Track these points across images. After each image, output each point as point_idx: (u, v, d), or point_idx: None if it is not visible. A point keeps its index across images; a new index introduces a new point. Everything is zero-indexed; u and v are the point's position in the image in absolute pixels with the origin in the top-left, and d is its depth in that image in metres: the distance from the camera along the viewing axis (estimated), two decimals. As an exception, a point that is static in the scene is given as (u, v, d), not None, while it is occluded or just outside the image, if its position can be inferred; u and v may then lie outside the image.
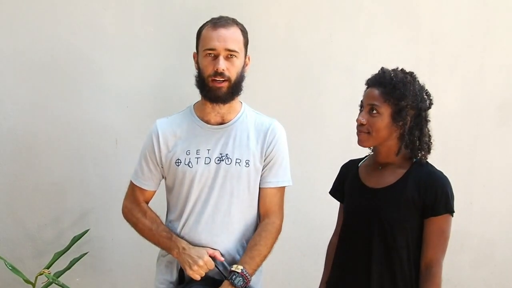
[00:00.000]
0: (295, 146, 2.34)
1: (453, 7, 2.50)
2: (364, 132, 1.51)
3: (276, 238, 1.61)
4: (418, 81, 1.53)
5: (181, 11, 2.23)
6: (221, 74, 1.49)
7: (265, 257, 1.57)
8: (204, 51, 1.52)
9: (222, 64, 1.49)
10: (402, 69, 1.55)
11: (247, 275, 1.49)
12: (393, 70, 1.54)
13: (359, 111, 1.57)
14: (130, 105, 2.27)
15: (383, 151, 1.55)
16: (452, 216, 1.49)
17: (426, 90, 1.55)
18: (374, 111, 1.48)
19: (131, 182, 1.68)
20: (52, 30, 2.17)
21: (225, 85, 1.51)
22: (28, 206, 2.23)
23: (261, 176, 1.61)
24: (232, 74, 1.52)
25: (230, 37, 1.50)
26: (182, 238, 1.58)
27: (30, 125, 2.20)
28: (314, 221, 2.47)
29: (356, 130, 1.56)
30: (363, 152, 1.70)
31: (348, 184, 1.68)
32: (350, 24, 2.42)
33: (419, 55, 2.49)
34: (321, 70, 2.42)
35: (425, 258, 1.48)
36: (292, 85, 2.41)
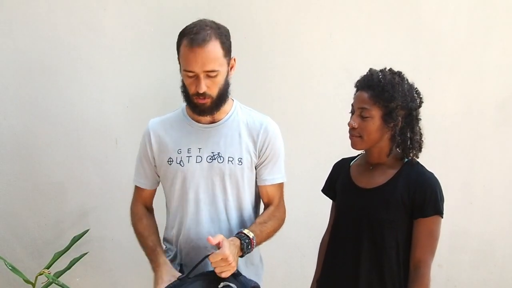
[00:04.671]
0: (295, 145, 2.35)
1: (453, 7, 2.50)
2: (356, 136, 1.52)
3: (280, 227, 1.62)
4: (407, 80, 1.53)
5: (181, 11, 2.23)
6: (203, 94, 1.48)
7: (267, 238, 1.56)
8: (183, 70, 1.49)
9: (204, 86, 1.46)
10: (390, 69, 1.55)
11: (254, 244, 1.47)
12: (381, 71, 1.54)
13: (350, 115, 1.57)
14: (130, 105, 2.27)
15: (375, 152, 1.56)
16: (442, 217, 1.49)
17: (416, 88, 1.54)
18: (365, 115, 1.49)
19: (135, 185, 1.71)
20: (52, 30, 2.16)
21: (208, 101, 1.50)
22: (28, 206, 2.23)
23: (257, 174, 1.62)
24: (214, 91, 1.49)
25: (207, 57, 1.44)
26: (184, 238, 1.58)
27: (30, 125, 2.20)
28: (314, 221, 2.47)
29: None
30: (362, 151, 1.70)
31: (339, 183, 1.70)
32: (350, 24, 2.42)
33: (419, 55, 2.49)
34: (321, 70, 2.42)
35: (414, 258, 1.49)
36: (292, 84, 2.41)
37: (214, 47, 1.44)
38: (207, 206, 1.57)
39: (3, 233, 2.23)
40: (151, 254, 1.54)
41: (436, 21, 2.49)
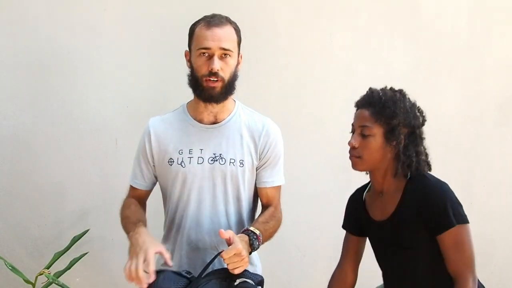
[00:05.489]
0: (295, 146, 2.34)
1: (453, 7, 2.50)
2: (355, 157, 1.46)
3: (279, 227, 1.60)
4: (408, 98, 1.48)
5: (181, 11, 2.23)
6: (215, 74, 1.48)
7: (269, 238, 1.54)
8: (198, 50, 1.50)
9: (217, 64, 1.47)
10: (391, 88, 1.49)
11: (260, 241, 1.45)
12: (382, 89, 1.49)
13: (351, 135, 1.51)
14: (130, 105, 2.27)
15: (378, 176, 1.49)
16: (465, 223, 1.41)
17: (418, 106, 1.49)
18: (366, 133, 1.43)
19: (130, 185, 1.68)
20: (52, 30, 2.17)
21: (219, 85, 1.50)
22: (28, 206, 2.23)
23: (257, 176, 1.61)
24: (226, 74, 1.50)
25: (224, 36, 1.49)
26: (184, 239, 1.56)
27: (30, 125, 2.20)
28: (314, 221, 2.47)
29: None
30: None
31: (361, 218, 1.62)
32: (350, 24, 2.42)
33: (419, 55, 2.49)
34: (321, 70, 2.42)
35: (450, 273, 1.39)
36: (292, 85, 2.41)
37: (230, 30, 1.52)
38: (208, 207, 1.56)
39: (3, 233, 2.23)
40: (132, 228, 1.42)
41: (436, 21, 2.49)
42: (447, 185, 1.44)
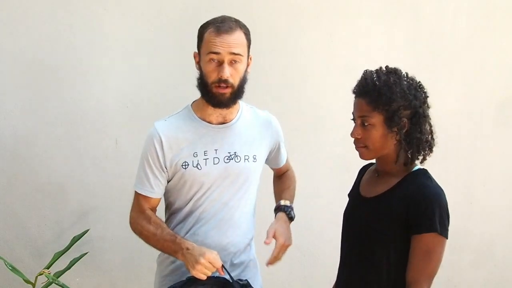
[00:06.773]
0: (295, 146, 2.34)
1: (453, 7, 2.50)
2: (361, 147, 1.42)
3: (296, 184, 1.85)
4: (405, 77, 1.41)
5: (181, 11, 2.23)
6: (225, 81, 1.47)
7: (293, 198, 1.77)
8: (207, 55, 1.48)
9: (227, 72, 1.46)
10: (386, 68, 1.43)
11: (293, 208, 1.68)
12: (376, 72, 1.43)
13: (352, 122, 1.48)
14: (130, 105, 2.27)
15: (381, 159, 1.46)
16: (443, 236, 1.35)
17: (419, 83, 1.42)
18: (366, 123, 1.38)
19: (135, 192, 1.59)
20: (52, 30, 2.17)
21: (228, 91, 1.49)
22: (28, 206, 2.23)
23: (271, 161, 1.76)
24: (236, 80, 1.50)
25: (234, 42, 1.48)
26: (200, 239, 1.54)
27: (30, 125, 2.20)
28: (314, 221, 2.47)
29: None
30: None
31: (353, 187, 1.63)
32: (350, 24, 2.42)
33: (419, 55, 2.49)
34: (321, 70, 2.42)
35: (407, 278, 1.35)
36: (292, 85, 2.41)
37: (239, 35, 1.50)
38: (223, 205, 1.57)
39: (3, 233, 2.23)
40: (172, 246, 1.46)
41: (436, 21, 2.49)
42: (444, 193, 1.40)
